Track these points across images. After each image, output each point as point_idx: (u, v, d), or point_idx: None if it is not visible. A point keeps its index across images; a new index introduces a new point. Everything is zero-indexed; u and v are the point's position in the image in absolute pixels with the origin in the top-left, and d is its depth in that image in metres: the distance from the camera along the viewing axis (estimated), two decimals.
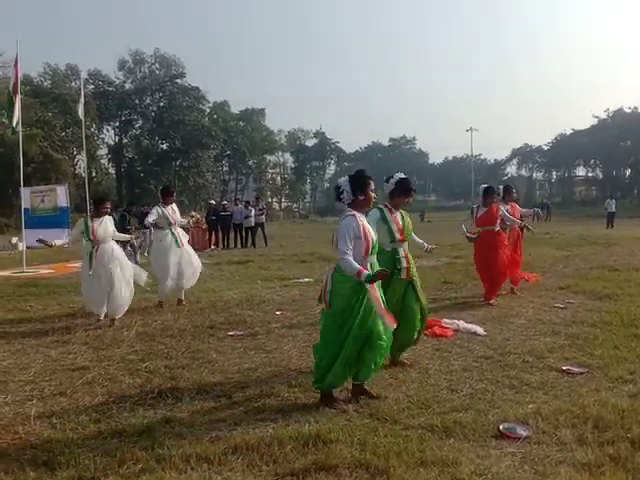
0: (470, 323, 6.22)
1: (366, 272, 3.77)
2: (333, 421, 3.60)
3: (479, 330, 5.97)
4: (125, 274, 6.93)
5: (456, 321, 6.23)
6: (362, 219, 4.04)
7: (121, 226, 13.21)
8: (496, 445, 3.25)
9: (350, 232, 3.88)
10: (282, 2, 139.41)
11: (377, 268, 3.99)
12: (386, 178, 5.08)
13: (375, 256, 4.10)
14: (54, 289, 9.61)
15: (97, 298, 6.78)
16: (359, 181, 4.06)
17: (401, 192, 4.95)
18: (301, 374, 4.68)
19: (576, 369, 4.61)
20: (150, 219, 7.93)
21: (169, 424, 3.64)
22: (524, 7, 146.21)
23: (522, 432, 3.38)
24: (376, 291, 3.97)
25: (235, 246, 19.77)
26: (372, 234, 4.03)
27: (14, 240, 17.34)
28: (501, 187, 8.64)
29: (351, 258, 3.81)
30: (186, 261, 8.01)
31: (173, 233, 7.93)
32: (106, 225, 6.92)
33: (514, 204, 8.62)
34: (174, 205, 8.19)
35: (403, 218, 4.98)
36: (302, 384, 4.36)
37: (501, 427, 3.44)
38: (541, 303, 7.51)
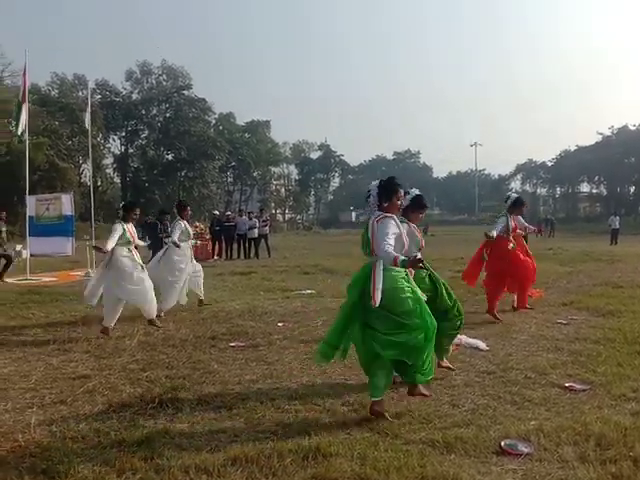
0: (473, 338, 6.19)
1: (401, 257, 3.80)
2: (333, 434, 3.58)
3: (481, 345, 5.95)
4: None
5: (458, 336, 6.19)
6: (397, 221, 4.14)
7: (153, 235, 13.40)
8: (497, 461, 3.23)
9: (390, 229, 3.97)
10: (284, 9, 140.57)
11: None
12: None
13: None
14: (57, 297, 9.63)
15: (114, 307, 6.82)
16: (387, 188, 4.14)
17: (415, 208, 5.02)
18: (302, 386, 4.66)
19: (579, 386, 4.58)
20: (176, 236, 7.99)
21: (169, 434, 3.62)
22: (527, 22, 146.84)
23: (524, 449, 3.36)
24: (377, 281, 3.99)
25: (238, 257, 19.80)
26: (407, 236, 4.19)
27: (18, 248, 17.37)
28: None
29: (392, 250, 3.85)
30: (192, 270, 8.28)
31: (189, 248, 8.18)
32: (134, 230, 7.22)
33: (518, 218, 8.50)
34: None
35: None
36: (303, 396, 4.34)
37: (502, 443, 3.41)
38: (544, 319, 7.47)
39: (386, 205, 4.12)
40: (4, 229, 13.64)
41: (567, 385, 4.59)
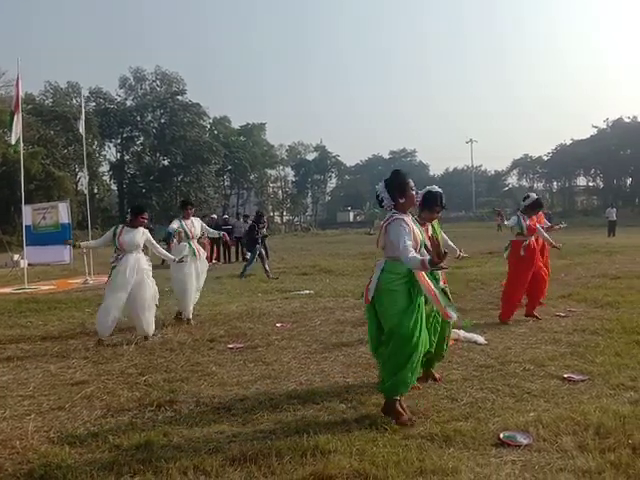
0: (470, 332, 6.19)
1: (427, 257, 3.54)
2: (332, 432, 3.57)
3: (480, 339, 5.95)
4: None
5: (456, 330, 6.19)
6: (409, 220, 3.93)
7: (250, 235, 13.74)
8: (496, 453, 3.23)
9: (403, 231, 3.73)
10: (281, 17, 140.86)
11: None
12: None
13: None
14: (54, 304, 9.60)
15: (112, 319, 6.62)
16: (397, 184, 3.92)
17: (426, 206, 4.77)
18: (300, 386, 4.66)
19: (577, 377, 4.58)
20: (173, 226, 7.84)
21: (167, 437, 3.61)
22: (523, 20, 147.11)
23: (522, 440, 3.35)
24: (429, 283, 3.88)
25: (237, 260, 19.77)
26: (419, 235, 3.94)
27: (16, 257, 17.35)
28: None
29: (415, 254, 3.62)
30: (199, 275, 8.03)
31: (192, 246, 7.89)
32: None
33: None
34: (194, 219, 8.12)
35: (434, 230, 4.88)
36: (301, 395, 4.34)
37: (501, 435, 3.41)
38: (542, 311, 7.46)
39: (402, 201, 3.90)
40: None
41: (566, 376, 4.60)
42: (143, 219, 6.83)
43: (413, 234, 3.83)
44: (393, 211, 3.92)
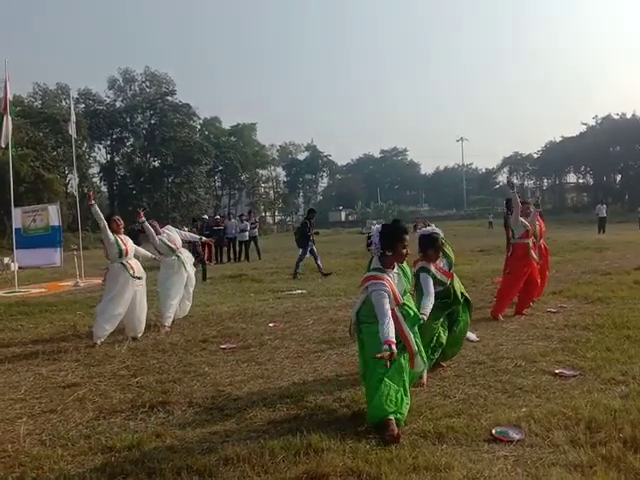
0: None
1: (394, 349, 3.45)
2: (325, 430, 3.57)
3: (472, 336, 5.96)
4: None
5: None
6: (391, 280, 3.76)
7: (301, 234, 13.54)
8: (489, 449, 3.24)
9: (385, 301, 3.64)
10: (273, 16, 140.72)
11: (407, 308, 3.90)
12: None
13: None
14: (45, 307, 9.53)
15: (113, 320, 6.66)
16: (390, 235, 3.75)
17: (426, 247, 4.80)
18: (293, 385, 4.65)
19: (568, 372, 4.60)
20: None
21: (160, 438, 3.61)
22: (517, 20, 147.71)
23: (515, 435, 3.37)
24: (403, 326, 3.80)
25: (228, 260, 19.74)
26: (399, 295, 3.82)
27: (6, 260, 17.24)
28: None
29: (391, 324, 3.56)
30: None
31: (180, 258, 7.74)
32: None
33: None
34: (168, 229, 7.98)
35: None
36: (294, 395, 4.33)
37: (494, 431, 3.43)
38: (534, 308, 7.51)
39: (390, 254, 3.76)
40: None
41: (557, 372, 4.62)
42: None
43: (395, 297, 3.75)
44: (377, 264, 3.81)
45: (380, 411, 3.53)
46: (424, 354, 4.09)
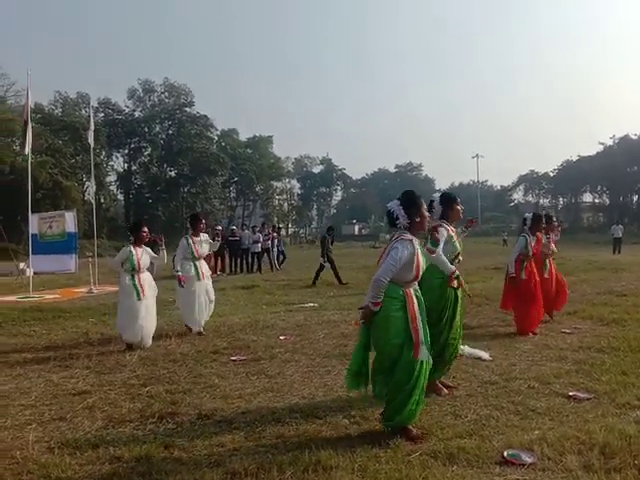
0: (475, 348, 6.14)
1: (377, 308, 3.68)
2: (334, 447, 3.53)
3: (484, 355, 5.90)
4: None
5: (460, 346, 6.14)
6: (417, 246, 3.84)
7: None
8: (500, 472, 3.18)
9: (403, 258, 3.69)
10: (297, 30, 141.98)
11: (419, 294, 3.90)
12: (428, 206, 4.65)
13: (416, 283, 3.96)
14: (59, 314, 9.60)
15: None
16: (411, 201, 3.88)
17: (447, 205, 5.16)
18: (303, 400, 4.62)
19: (582, 395, 4.53)
20: (179, 258, 7.72)
21: (168, 449, 3.59)
22: (532, 37, 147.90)
23: (527, 459, 3.31)
24: (415, 312, 3.79)
25: (241, 271, 19.78)
26: (423, 265, 3.88)
27: (22, 265, 17.42)
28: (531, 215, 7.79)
29: (385, 284, 3.67)
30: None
31: (197, 268, 7.78)
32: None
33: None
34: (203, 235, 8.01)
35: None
36: (304, 410, 4.30)
37: (505, 453, 3.37)
38: (548, 328, 7.42)
39: (418, 221, 3.88)
40: None
41: (571, 394, 4.55)
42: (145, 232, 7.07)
43: (417, 264, 3.78)
44: (404, 233, 3.85)
45: (408, 421, 3.72)
46: (429, 344, 3.95)
